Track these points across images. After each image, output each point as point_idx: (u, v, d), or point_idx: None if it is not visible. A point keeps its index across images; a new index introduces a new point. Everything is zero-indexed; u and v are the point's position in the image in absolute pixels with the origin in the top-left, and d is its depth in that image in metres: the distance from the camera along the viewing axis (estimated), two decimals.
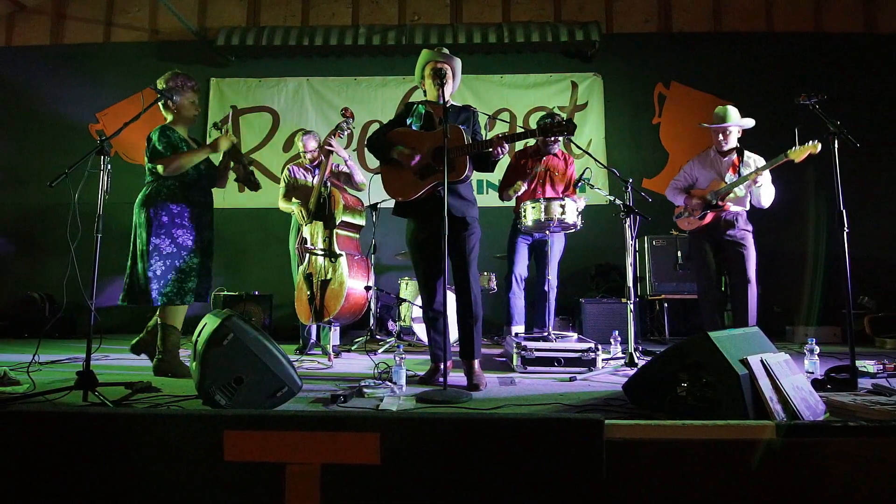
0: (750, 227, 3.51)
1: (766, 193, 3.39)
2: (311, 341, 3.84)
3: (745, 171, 3.42)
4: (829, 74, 5.66)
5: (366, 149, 5.96)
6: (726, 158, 3.54)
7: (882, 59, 5.78)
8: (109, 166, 2.30)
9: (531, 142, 4.01)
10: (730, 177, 3.47)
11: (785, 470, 1.53)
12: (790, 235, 5.39)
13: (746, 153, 3.51)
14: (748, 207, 3.53)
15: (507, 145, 2.54)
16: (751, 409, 1.70)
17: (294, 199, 3.83)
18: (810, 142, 3.09)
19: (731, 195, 3.45)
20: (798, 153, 3.14)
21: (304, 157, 3.98)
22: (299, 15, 6.28)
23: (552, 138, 3.76)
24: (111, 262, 5.69)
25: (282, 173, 4.07)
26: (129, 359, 3.46)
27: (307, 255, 3.45)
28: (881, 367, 2.67)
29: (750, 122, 3.54)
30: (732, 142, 3.53)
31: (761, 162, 3.42)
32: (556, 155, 3.85)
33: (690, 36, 6.05)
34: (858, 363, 2.45)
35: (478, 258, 2.75)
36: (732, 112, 3.52)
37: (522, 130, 2.61)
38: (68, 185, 2.26)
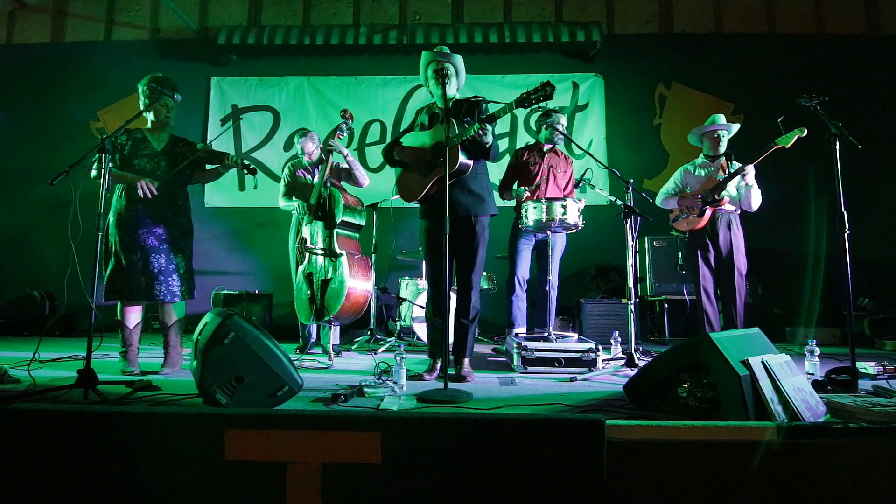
0: (741, 229, 3.65)
1: (755, 195, 3.55)
2: (312, 340, 3.84)
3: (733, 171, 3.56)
4: (831, 75, 5.65)
5: (367, 148, 6.04)
6: (715, 162, 3.71)
7: (884, 61, 5.78)
8: (111, 164, 2.30)
9: (531, 140, 4.00)
10: (721, 176, 3.62)
11: (785, 471, 1.53)
12: (791, 237, 5.39)
13: (735, 161, 3.65)
14: (739, 210, 3.67)
15: (489, 127, 2.53)
16: (752, 410, 1.70)
17: (295, 198, 3.84)
18: (796, 129, 3.27)
19: (725, 192, 3.57)
20: (787, 139, 3.32)
21: (302, 158, 3.97)
22: (300, 14, 6.27)
23: (551, 132, 3.74)
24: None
25: (283, 171, 4.07)
26: None
27: (307, 254, 3.45)
28: (881, 368, 2.67)
29: (735, 127, 3.76)
30: (722, 147, 3.71)
31: (747, 167, 3.51)
32: (556, 153, 3.84)
33: (691, 37, 6.05)
34: (859, 365, 2.45)
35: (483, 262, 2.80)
36: (721, 117, 3.76)
37: (503, 105, 2.54)
38: (69, 184, 2.26)
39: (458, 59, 2.78)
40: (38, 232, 5.75)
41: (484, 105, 2.78)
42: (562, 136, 3.80)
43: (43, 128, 6.03)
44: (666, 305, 5.00)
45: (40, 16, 6.31)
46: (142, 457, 1.55)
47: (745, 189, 3.51)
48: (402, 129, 2.97)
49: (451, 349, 2.72)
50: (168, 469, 1.54)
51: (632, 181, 3.43)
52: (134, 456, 1.55)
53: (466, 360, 2.77)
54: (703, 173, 3.73)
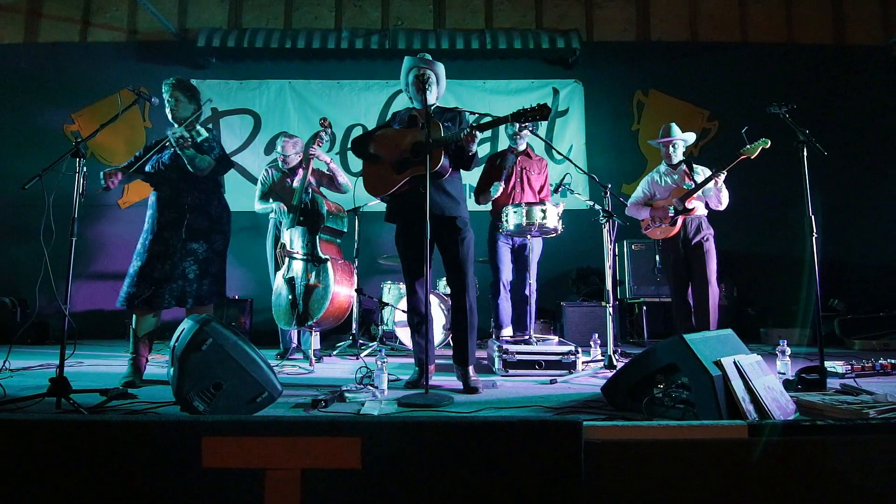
0: (711, 231, 3.72)
1: (724, 196, 3.64)
2: (293, 346, 3.81)
3: (699, 179, 3.65)
4: (801, 83, 5.84)
5: (349, 153, 6.02)
6: (677, 170, 3.81)
7: (850, 69, 5.99)
8: (85, 169, 2.26)
9: (504, 146, 4.05)
10: (687, 184, 3.71)
11: (756, 468, 1.57)
12: (764, 239, 5.53)
13: (696, 165, 3.75)
14: (706, 212, 3.76)
15: (478, 135, 2.48)
16: (724, 409, 1.74)
17: (273, 200, 3.80)
18: (761, 139, 3.39)
19: (695, 199, 3.66)
20: (752, 150, 3.42)
21: (283, 161, 3.94)
22: (282, 17, 6.24)
23: (520, 132, 3.77)
24: (86, 265, 5.61)
25: (261, 174, 4.04)
26: (104, 365, 3.39)
27: (288, 259, 3.43)
28: (849, 367, 2.76)
29: (692, 137, 3.87)
30: (679, 155, 3.82)
31: (708, 172, 3.63)
32: (528, 155, 3.88)
33: (668, 45, 6.19)
34: (828, 364, 2.53)
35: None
36: (675, 128, 3.84)
37: (493, 118, 2.53)
38: (42, 188, 2.21)
39: (440, 67, 2.75)
40: (10, 237, 5.59)
41: (465, 115, 2.76)
42: (525, 138, 3.83)
43: (15, 130, 5.88)
44: (644, 308, 5.08)
45: (13, 16, 6.16)
46: (117, 466, 1.53)
47: (715, 191, 3.60)
48: (377, 126, 2.90)
49: (433, 354, 2.70)
50: (144, 478, 1.52)
51: (610, 186, 3.48)
52: (109, 465, 1.53)
53: (471, 368, 2.56)
54: (668, 181, 3.83)
